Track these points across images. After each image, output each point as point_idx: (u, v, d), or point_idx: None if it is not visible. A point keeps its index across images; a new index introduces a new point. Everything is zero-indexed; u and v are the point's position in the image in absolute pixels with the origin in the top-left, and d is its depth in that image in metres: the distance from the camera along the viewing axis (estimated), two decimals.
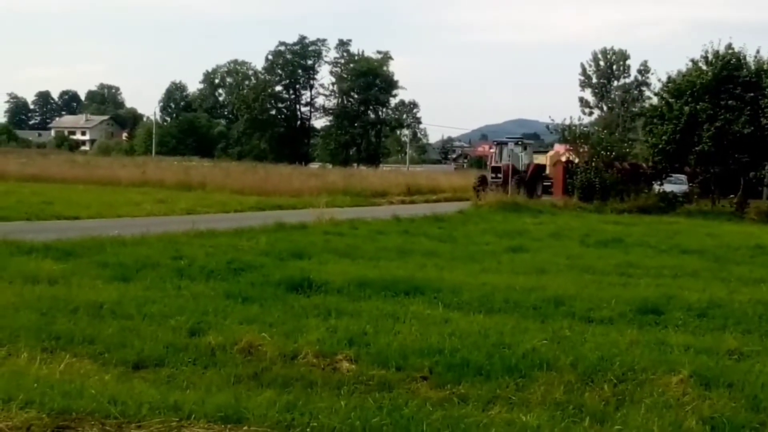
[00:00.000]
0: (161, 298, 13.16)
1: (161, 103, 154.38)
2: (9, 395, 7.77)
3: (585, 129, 53.65)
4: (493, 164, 54.58)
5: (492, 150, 59.16)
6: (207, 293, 13.81)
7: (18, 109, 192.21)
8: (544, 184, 54.00)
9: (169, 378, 9.30)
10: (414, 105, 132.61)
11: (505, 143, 55.75)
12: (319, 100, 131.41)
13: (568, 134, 49.55)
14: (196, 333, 11.14)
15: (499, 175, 51.30)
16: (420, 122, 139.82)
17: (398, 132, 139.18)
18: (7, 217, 26.52)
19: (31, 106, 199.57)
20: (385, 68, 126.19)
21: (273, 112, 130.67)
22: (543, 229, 29.30)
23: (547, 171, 55.49)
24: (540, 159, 59.51)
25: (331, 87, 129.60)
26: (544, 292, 14.66)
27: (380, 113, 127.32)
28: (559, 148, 61.98)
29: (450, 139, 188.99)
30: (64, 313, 11.88)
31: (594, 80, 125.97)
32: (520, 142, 55.53)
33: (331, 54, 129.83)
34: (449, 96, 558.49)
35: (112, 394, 8.01)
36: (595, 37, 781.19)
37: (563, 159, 50.99)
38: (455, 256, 20.48)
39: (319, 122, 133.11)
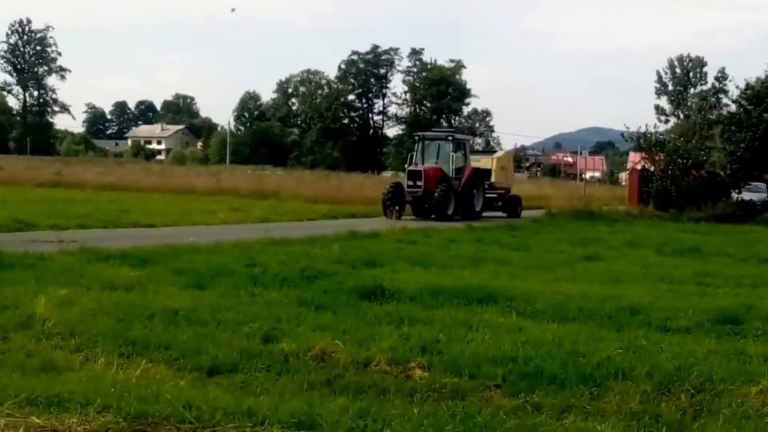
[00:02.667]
0: (235, 305, 13.25)
1: (235, 113, 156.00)
2: (87, 399, 7.87)
3: (661, 137, 51.66)
4: (411, 167, 39.21)
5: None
6: (280, 300, 13.87)
7: (96, 119, 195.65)
8: (488, 195, 41.32)
9: (243, 384, 9.36)
10: (487, 113, 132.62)
11: (431, 139, 41.44)
12: (392, 109, 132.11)
13: (643, 142, 48.47)
14: (269, 340, 11.19)
15: (419, 183, 37.59)
16: (493, 131, 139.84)
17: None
18: (85, 225, 26.96)
19: (109, 116, 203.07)
20: (457, 76, 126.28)
21: (345, 121, 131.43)
22: (618, 238, 28.98)
23: (493, 178, 42.43)
24: (482, 162, 43.03)
25: (403, 96, 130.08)
26: (620, 301, 14.44)
27: (453, 122, 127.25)
28: (633, 156, 57.89)
29: (523, 148, 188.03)
30: (141, 319, 12.02)
31: (670, 88, 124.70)
32: (450, 138, 40.86)
33: (403, 63, 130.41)
34: (522, 104, 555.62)
35: (188, 399, 8.07)
36: (671, 45, 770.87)
37: (638, 167, 49.81)
38: (529, 264, 20.33)
39: (392, 131, 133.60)
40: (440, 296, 14.45)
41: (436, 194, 36.91)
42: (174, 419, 7.58)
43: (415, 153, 39.98)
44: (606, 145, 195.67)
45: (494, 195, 42.16)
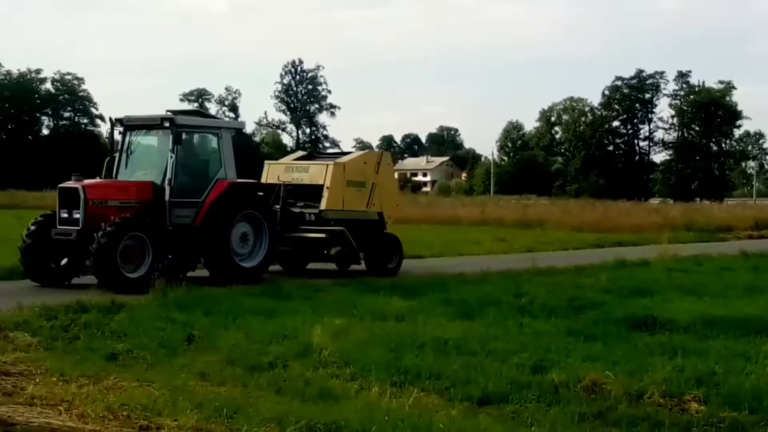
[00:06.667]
0: (504, 335, 13.30)
1: (498, 143, 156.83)
2: (363, 427, 8.12)
3: None
4: (65, 184, 19.88)
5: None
6: (549, 331, 13.81)
7: None
8: (308, 235, 22.22)
9: (513, 414, 9.40)
10: (760, 135, 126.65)
11: (139, 127, 21.16)
12: (658, 134, 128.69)
13: None
14: (539, 370, 11.16)
15: (76, 215, 19.11)
16: (767, 153, 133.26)
17: (743, 164, 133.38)
18: None
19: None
20: (727, 98, 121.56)
21: (610, 147, 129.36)
22: None
23: (324, 203, 22.37)
24: (311, 172, 23.33)
25: (670, 120, 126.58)
26: None
27: (723, 145, 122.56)
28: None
29: None
30: (411, 348, 12.28)
31: None
32: (169, 124, 20.10)
33: (669, 86, 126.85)
34: None
35: (459, 429, 8.18)
36: None
37: None
38: None
39: (658, 156, 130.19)
40: (715, 327, 13.98)
41: (98, 237, 18.15)
42: None
43: (118, 154, 20.88)
44: None
45: (322, 235, 22.03)
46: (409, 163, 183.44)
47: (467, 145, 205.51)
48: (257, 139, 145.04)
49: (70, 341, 12.41)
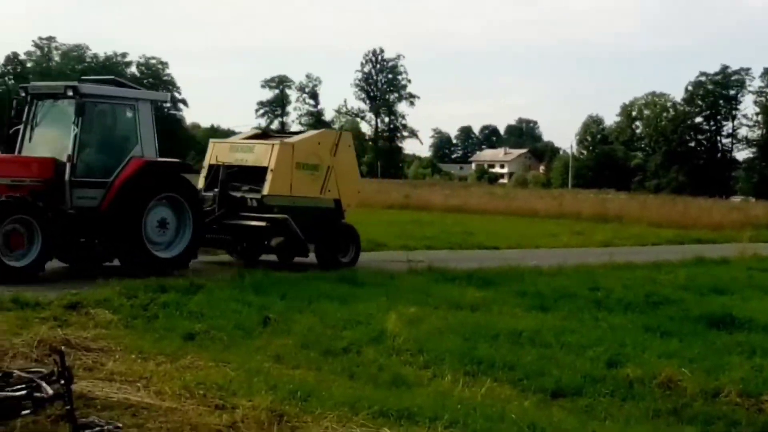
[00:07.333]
0: (578, 328, 13.24)
1: (578, 136, 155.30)
2: (435, 414, 8.14)
3: None
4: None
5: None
6: (624, 325, 13.72)
7: (442, 143, 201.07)
8: (247, 222, 19.78)
9: (587, 407, 9.36)
10: None
11: (45, 96, 18.46)
12: (742, 131, 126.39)
13: None
14: (613, 364, 11.11)
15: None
16: None
17: None
18: (432, 246, 27.81)
19: (454, 141, 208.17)
20: None
21: (692, 144, 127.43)
22: None
23: (267, 187, 19.76)
24: (256, 152, 20.62)
25: (754, 117, 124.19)
26: None
27: None
28: None
29: None
30: (485, 338, 12.28)
31: None
32: (72, 92, 17.37)
33: (755, 83, 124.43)
34: None
35: (532, 420, 8.16)
36: None
37: None
38: None
39: (741, 154, 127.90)
40: None
41: None
42: None
43: (22, 126, 18.30)
44: None
45: (262, 223, 19.57)
46: (487, 154, 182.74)
47: (546, 137, 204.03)
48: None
49: (149, 320, 12.62)
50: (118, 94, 18.51)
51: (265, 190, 19.71)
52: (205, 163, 21.00)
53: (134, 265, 17.26)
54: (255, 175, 20.04)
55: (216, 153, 20.96)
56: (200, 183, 20.60)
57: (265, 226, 19.51)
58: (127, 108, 18.30)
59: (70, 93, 17.29)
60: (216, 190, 19.81)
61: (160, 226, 17.82)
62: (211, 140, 22.53)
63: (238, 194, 19.99)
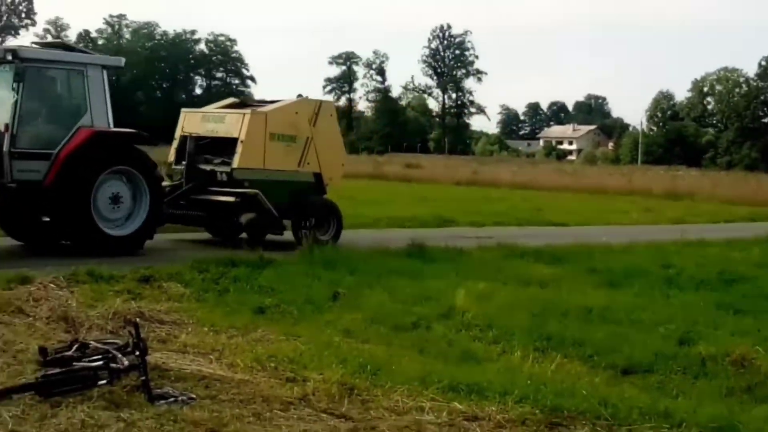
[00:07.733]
0: (649, 306, 13.14)
1: (648, 113, 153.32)
2: (505, 389, 8.13)
3: None
4: None
5: None
6: (696, 303, 13.58)
7: (509, 120, 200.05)
8: (216, 198, 18.74)
9: (658, 384, 9.29)
10: None
11: None
12: None
13: None
14: (685, 342, 11.01)
15: None
16: None
17: None
18: (501, 222, 27.73)
19: (522, 117, 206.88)
20: None
21: (765, 120, 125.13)
22: None
23: (237, 160, 18.51)
24: (227, 122, 19.40)
25: None
26: None
27: None
28: None
29: None
30: (555, 315, 12.23)
31: None
32: (12, 56, 15.97)
33: None
34: None
35: (603, 396, 8.11)
36: None
37: None
38: None
39: None
40: None
41: None
42: (590, 415, 7.65)
43: None
44: None
45: (231, 198, 18.36)
46: (555, 131, 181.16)
47: (615, 114, 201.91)
48: (403, 103, 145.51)
49: (220, 294, 12.75)
50: (64, 58, 16.92)
51: (235, 163, 18.47)
52: (177, 134, 19.83)
53: (83, 242, 16.05)
54: (226, 146, 18.83)
55: (187, 123, 19.85)
56: (171, 155, 19.73)
57: (234, 202, 18.25)
58: (75, 74, 16.76)
59: (9, 57, 15.86)
60: (184, 162, 18.84)
61: (113, 202, 16.42)
62: (182, 109, 20.95)
63: (209, 167, 18.85)
